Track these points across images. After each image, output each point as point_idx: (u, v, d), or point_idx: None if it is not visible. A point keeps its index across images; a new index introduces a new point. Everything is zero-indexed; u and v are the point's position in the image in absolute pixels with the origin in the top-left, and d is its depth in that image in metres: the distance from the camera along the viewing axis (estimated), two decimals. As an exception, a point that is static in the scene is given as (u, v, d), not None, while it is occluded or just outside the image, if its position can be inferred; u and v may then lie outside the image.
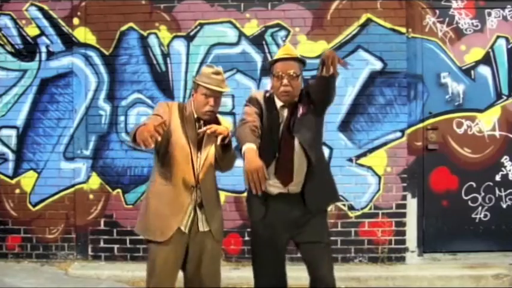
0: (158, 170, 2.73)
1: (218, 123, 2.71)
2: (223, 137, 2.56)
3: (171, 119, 2.69)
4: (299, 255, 2.92)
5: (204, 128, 2.57)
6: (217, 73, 2.71)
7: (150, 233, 2.69)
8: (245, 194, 4.54)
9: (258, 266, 2.87)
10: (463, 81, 4.64)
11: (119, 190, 4.61)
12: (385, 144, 4.54)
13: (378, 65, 4.52)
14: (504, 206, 4.68)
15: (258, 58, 4.56)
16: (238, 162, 4.54)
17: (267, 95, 2.84)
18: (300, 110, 2.73)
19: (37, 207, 4.66)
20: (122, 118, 4.61)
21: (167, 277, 2.67)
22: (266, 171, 2.46)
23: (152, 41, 4.60)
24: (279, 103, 2.78)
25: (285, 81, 2.68)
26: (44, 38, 4.63)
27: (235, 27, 4.57)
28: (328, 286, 2.78)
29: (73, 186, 4.63)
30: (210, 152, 2.75)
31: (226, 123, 2.81)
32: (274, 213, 2.76)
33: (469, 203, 4.67)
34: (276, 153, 2.71)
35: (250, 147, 2.49)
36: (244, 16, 4.57)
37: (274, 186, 2.75)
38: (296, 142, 2.70)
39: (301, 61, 2.81)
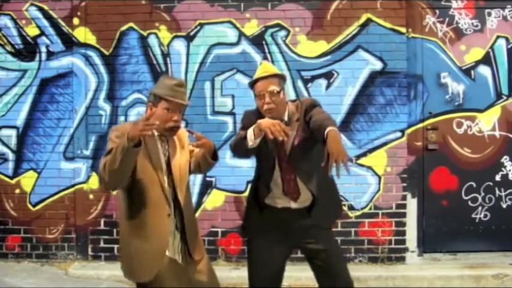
0: (128, 206, 2.43)
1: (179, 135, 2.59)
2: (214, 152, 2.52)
3: None
4: (299, 255, 2.92)
5: (197, 135, 2.46)
6: (181, 85, 2.49)
7: (135, 275, 2.46)
8: (245, 194, 4.58)
9: (253, 274, 2.87)
10: (463, 81, 4.64)
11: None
12: (385, 144, 4.53)
13: (378, 65, 4.52)
14: (504, 206, 4.68)
15: (258, 58, 4.56)
16: (238, 162, 4.59)
17: (259, 111, 2.80)
18: (296, 140, 2.68)
19: (37, 207, 4.66)
20: (121, 118, 4.61)
21: None
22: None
23: (152, 41, 4.60)
24: None
25: (266, 99, 2.65)
26: (44, 38, 4.63)
27: (235, 27, 4.57)
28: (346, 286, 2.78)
29: (73, 186, 4.63)
30: (181, 166, 2.55)
31: (186, 134, 2.68)
32: (276, 223, 2.74)
33: (469, 203, 4.67)
34: (273, 167, 2.71)
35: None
36: (244, 16, 4.57)
37: (278, 201, 2.74)
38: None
39: (281, 76, 2.77)
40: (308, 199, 2.73)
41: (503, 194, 4.67)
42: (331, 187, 2.85)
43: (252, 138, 2.48)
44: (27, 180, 4.67)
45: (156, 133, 2.47)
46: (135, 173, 2.37)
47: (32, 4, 4.63)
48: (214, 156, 2.58)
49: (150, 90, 2.53)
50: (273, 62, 4.53)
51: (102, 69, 4.62)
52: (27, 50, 4.65)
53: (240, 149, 2.64)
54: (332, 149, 2.29)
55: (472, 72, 4.63)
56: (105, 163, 2.24)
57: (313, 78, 4.53)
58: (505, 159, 4.67)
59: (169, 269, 2.43)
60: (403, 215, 4.55)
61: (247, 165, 4.54)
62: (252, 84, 2.76)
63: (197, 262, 2.55)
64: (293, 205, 2.72)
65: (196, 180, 4.59)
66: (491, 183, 4.66)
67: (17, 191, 4.67)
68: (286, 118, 2.73)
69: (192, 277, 2.52)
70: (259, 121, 2.48)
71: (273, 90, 2.65)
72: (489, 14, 4.61)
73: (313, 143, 2.64)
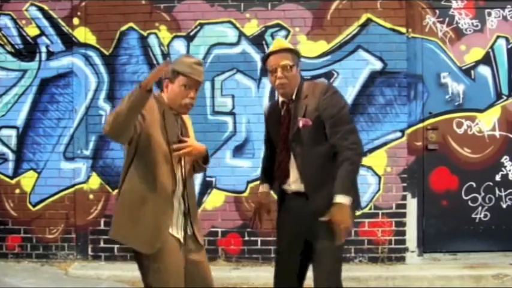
0: (138, 173, 2.42)
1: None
2: (204, 157, 2.55)
3: (152, 113, 2.41)
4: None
5: (181, 149, 2.44)
6: (200, 64, 2.52)
7: (143, 245, 2.40)
8: (245, 194, 4.60)
9: (276, 261, 2.86)
10: (463, 81, 4.64)
11: (119, 190, 4.60)
12: (385, 144, 4.53)
13: (377, 65, 4.52)
14: (504, 206, 4.68)
15: (258, 58, 4.55)
16: (238, 162, 4.61)
17: (275, 97, 2.82)
18: (300, 123, 2.62)
19: (37, 207, 4.65)
20: (122, 118, 4.60)
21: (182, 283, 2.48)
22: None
23: (152, 41, 4.60)
24: (280, 99, 2.74)
25: (278, 74, 2.60)
26: (44, 38, 4.63)
27: (235, 27, 4.57)
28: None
29: (73, 186, 4.63)
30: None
31: (190, 121, 2.68)
32: (289, 210, 2.74)
33: (469, 203, 4.67)
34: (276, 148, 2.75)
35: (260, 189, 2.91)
36: (244, 16, 4.57)
37: (288, 185, 2.73)
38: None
39: (294, 51, 2.70)
40: (312, 184, 2.67)
41: (503, 194, 4.67)
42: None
43: None
44: (27, 180, 4.66)
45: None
46: (151, 144, 2.39)
47: (32, 4, 4.63)
48: (206, 161, 2.61)
49: (169, 67, 2.53)
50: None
51: (102, 69, 4.62)
52: (27, 50, 4.65)
53: None
54: (334, 218, 2.46)
55: (472, 72, 4.63)
56: (113, 111, 2.28)
57: (313, 78, 4.52)
58: (505, 159, 4.67)
59: (171, 245, 2.43)
60: (403, 215, 4.55)
61: (247, 165, 4.56)
62: (265, 60, 2.71)
63: (198, 245, 2.57)
64: (302, 188, 2.66)
65: (196, 180, 4.57)
66: (491, 183, 4.66)
67: (17, 191, 4.67)
68: (294, 96, 2.67)
69: (189, 257, 2.51)
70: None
71: (286, 65, 2.60)
72: (489, 14, 4.61)
73: (317, 130, 2.61)
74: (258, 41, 4.56)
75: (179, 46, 4.58)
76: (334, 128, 2.57)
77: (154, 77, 2.20)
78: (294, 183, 2.70)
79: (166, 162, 2.43)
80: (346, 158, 2.51)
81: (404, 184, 4.54)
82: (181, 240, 2.49)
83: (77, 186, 4.63)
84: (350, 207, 2.49)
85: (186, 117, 2.65)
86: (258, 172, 4.49)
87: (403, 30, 4.51)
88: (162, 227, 2.41)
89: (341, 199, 2.45)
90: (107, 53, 4.61)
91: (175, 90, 2.46)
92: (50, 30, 4.63)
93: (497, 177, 4.67)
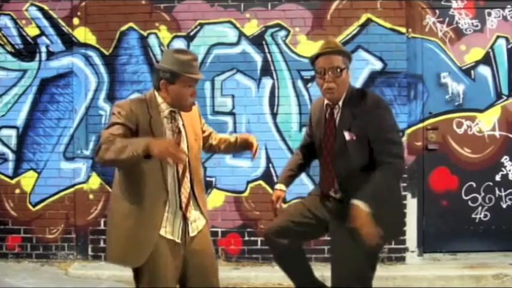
0: (126, 187, 2.38)
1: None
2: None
3: (138, 126, 2.32)
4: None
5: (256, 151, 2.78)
6: (196, 59, 2.41)
7: (128, 260, 2.39)
8: (245, 194, 4.57)
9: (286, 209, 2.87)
10: (463, 81, 4.64)
11: (119, 190, 4.60)
12: (385, 144, 4.53)
13: (377, 65, 4.52)
14: (504, 206, 4.68)
15: (258, 58, 4.56)
16: (238, 162, 4.59)
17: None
18: (347, 136, 2.49)
19: (37, 207, 4.65)
20: (122, 118, 4.60)
21: None
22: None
23: (152, 41, 4.60)
24: (326, 101, 2.61)
25: (327, 77, 2.46)
26: (44, 38, 4.63)
27: (235, 27, 4.57)
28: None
29: (73, 186, 4.63)
30: (194, 147, 2.53)
31: (196, 111, 2.63)
32: (324, 197, 2.69)
33: (469, 203, 4.67)
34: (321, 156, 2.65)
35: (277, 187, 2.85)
36: (244, 16, 4.57)
37: (332, 193, 2.66)
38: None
39: (346, 54, 2.55)
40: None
41: (503, 194, 4.67)
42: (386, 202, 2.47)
43: None
44: (27, 180, 4.66)
45: (166, 113, 2.41)
46: None
47: (32, 4, 4.63)
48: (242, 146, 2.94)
49: (163, 67, 2.37)
50: (273, 62, 4.53)
51: (102, 69, 4.62)
52: (27, 50, 4.65)
53: None
54: (353, 223, 2.32)
55: (472, 72, 4.63)
56: (109, 145, 2.17)
57: (313, 78, 4.52)
58: (505, 159, 4.67)
59: (161, 249, 2.37)
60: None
61: (247, 165, 4.56)
62: (313, 61, 2.55)
63: (198, 242, 2.52)
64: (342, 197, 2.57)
65: (196, 180, 4.58)
66: (491, 183, 4.66)
67: (17, 191, 4.67)
68: (341, 103, 2.54)
69: (188, 256, 2.47)
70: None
71: (336, 67, 2.46)
72: (489, 14, 4.61)
73: (361, 145, 2.48)
74: (258, 41, 4.56)
75: (179, 46, 4.57)
76: (380, 147, 2.45)
77: (164, 156, 2.11)
78: (336, 193, 2.62)
79: (155, 173, 2.34)
80: (381, 172, 2.40)
81: (404, 184, 4.53)
82: (177, 240, 2.42)
83: (77, 186, 4.63)
84: (369, 213, 2.31)
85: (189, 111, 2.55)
86: (258, 172, 4.55)
87: (403, 30, 4.51)
88: (146, 240, 2.34)
89: (357, 202, 2.32)
90: (107, 53, 4.61)
91: (181, 92, 2.36)
92: (50, 30, 4.63)
93: (497, 177, 4.67)
